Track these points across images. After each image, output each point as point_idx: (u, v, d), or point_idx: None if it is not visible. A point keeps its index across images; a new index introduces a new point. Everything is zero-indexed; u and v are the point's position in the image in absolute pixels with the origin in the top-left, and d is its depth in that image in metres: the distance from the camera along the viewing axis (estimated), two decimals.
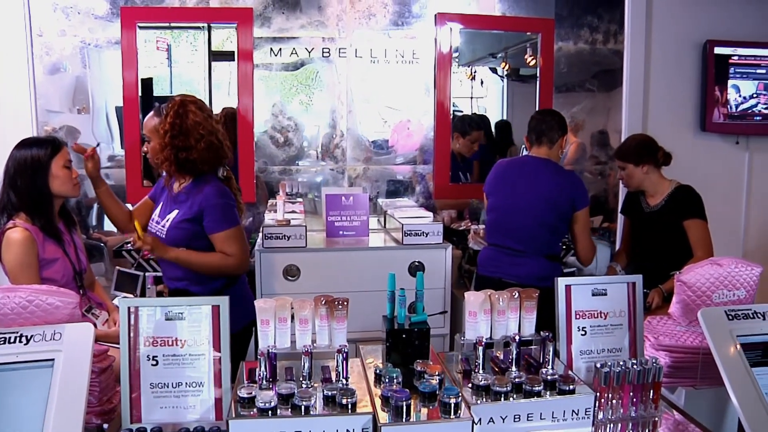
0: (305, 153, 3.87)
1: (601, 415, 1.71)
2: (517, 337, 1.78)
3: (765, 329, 1.83)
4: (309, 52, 3.75)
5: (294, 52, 3.73)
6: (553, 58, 3.89)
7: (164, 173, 2.61)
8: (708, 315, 1.82)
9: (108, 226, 3.79)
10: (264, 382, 1.67)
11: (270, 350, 1.71)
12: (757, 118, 4.16)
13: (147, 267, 3.27)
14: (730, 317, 1.82)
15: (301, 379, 1.68)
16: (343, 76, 3.80)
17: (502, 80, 5.25)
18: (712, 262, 2.04)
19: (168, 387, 1.65)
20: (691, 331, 2.10)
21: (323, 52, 3.76)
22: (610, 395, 1.72)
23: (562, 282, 1.87)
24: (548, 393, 1.66)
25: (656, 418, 1.76)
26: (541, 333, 1.81)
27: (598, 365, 1.72)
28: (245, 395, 1.54)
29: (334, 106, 3.82)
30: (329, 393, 1.58)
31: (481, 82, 6.15)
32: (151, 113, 2.62)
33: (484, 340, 1.77)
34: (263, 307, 1.77)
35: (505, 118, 4.62)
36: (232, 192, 2.57)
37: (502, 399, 1.62)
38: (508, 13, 3.96)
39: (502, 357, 1.85)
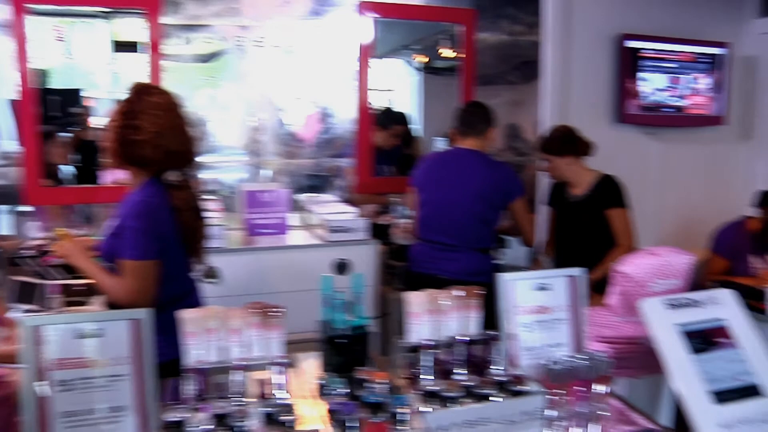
0: (222, 147, 3.68)
1: (551, 413, 1.66)
2: (463, 338, 1.71)
3: (702, 317, 1.84)
4: (223, 42, 3.55)
5: (207, 41, 3.53)
6: (475, 49, 3.85)
7: None
8: (649, 305, 1.80)
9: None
10: (193, 401, 1.52)
11: (198, 365, 1.56)
12: (666, 110, 4.28)
13: (50, 275, 3.00)
14: (670, 306, 1.81)
15: (234, 395, 1.54)
16: (261, 66, 3.62)
17: (417, 72, 5.22)
18: (649, 252, 2.04)
19: (82, 415, 1.45)
20: (630, 321, 2.08)
21: (238, 42, 3.57)
22: (559, 392, 1.67)
23: (504, 278, 1.80)
24: (500, 395, 1.59)
25: (604, 411, 1.73)
26: (487, 332, 1.74)
27: (546, 362, 1.67)
28: (173, 419, 1.39)
29: (252, 98, 3.64)
30: (268, 410, 1.45)
31: (395, 75, 6.12)
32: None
33: (428, 342, 1.68)
34: (189, 318, 1.61)
35: (419, 110, 4.59)
36: (182, 203, 2.15)
37: (454, 405, 1.54)
38: (430, 4, 3.89)
39: (446, 359, 1.76)
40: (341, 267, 3.05)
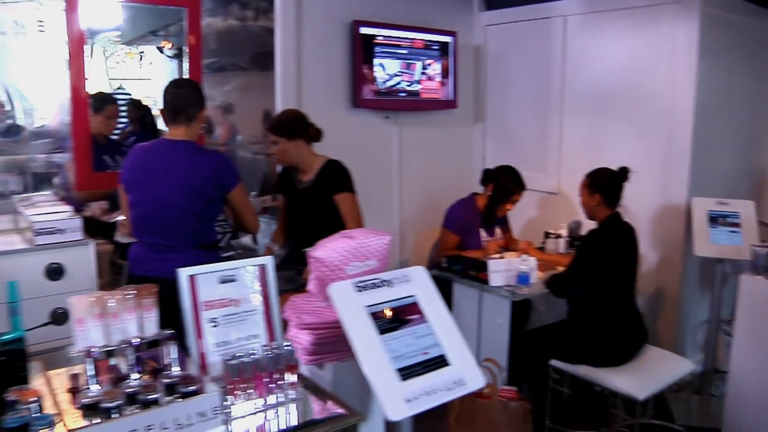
0: None
1: (237, 410, 1.60)
2: (134, 340, 1.58)
3: (392, 296, 1.88)
4: None
5: None
6: (201, 34, 3.69)
7: None
8: (338, 289, 1.81)
9: None
10: None
11: None
12: (402, 94, 4.45)
13: None
14: (359, 288, 1.83)
15: None
16: None
17: (171, 60, 4.95)
18: (344, 235, 2.05)
19: None
20: (331, 306, 2.09)
21: None
22: (243, 387, 1.62)
23: (184, 273, 1.71)
24: (169, 398, 1.49)
25: (297, 402, 1.71)
26: (163, 331, 1.64)
27: (228, 358, 1.61)
28: None
29: None
30: None
31: (150, 63, 5.77)
32: None
33: (96, 349, 1.54)
34: None
35: None
36: None
37: (115, 415, 1.41)
38: None
39: (122, 365, 1.63)
40: (53, 272, 2.78)
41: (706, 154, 4.01)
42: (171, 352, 1.60)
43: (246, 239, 4.58)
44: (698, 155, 3.93)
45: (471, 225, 3.93)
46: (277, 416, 1.65)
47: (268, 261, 1.84)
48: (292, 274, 3.15)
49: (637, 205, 3.97)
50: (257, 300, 1.82)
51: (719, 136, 4.13)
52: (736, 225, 3.72)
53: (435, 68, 4.60)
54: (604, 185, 3.33)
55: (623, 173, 3.36)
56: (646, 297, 4.17)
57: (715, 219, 3.74)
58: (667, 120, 3.98)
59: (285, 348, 1.67)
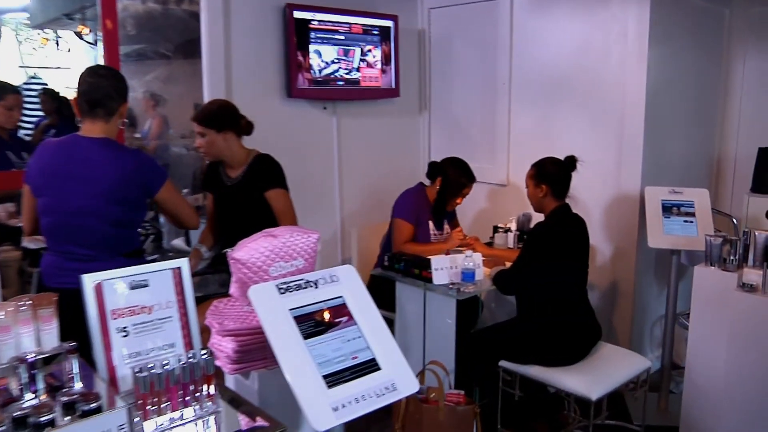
0: None
1: (148, 427, 1.56)
2: (29, 356, 1.53)
3: (317, 298, 1.85)
4: None
5: None
6: (117, 18, 3.60)
7: None
8: (258, 292, 1.78)
9: None
10: None
11: None
12: (340, 83, 4.42)
13: None
14: (282, 291, 1.80)
15: None
16: None
17: (92, 47, 4.81)
18: (266, 234, 2.02)
19: None
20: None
21: None
22: (155, 401, 1.58)
23: (89, 279, 1.66)
24: (68, 419, 1.44)
25: (215, 414, 1.68)
26: (63, 344, 1.59)
27: (138, 369, 1.57)
28: None
29: None
30: None
31: (68, 50, 5.60)
32: None
33: None
34: None
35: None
36: None
37: None
38: None
39: (13, 385, 1.57)
40: None
41: (659, 141, 4.08)
42: (72, 366, 1.55)
43: (177, 241, 4.52)
44: (651, 142, 4.00)
45: (421, 216, 3.92)
46: (196, 429, 1.62)
47: (183, 263, 1.80)
48: (226, 277, 3.10)
49: (589, 195, 4.03)
50: (172, 306, 1.78)
51: (672, 122, 4.22)
52: (691, 214, 3.76)
53: (375, 55, 4.59)
54: (551, 176, 3.35)
55: (570, 162, 3.39)
56: (600, 292, 4.24)
57: (668, 209, 3.78)
58: (619, 106, 4.04)
59: (201, 357, 1.64)
